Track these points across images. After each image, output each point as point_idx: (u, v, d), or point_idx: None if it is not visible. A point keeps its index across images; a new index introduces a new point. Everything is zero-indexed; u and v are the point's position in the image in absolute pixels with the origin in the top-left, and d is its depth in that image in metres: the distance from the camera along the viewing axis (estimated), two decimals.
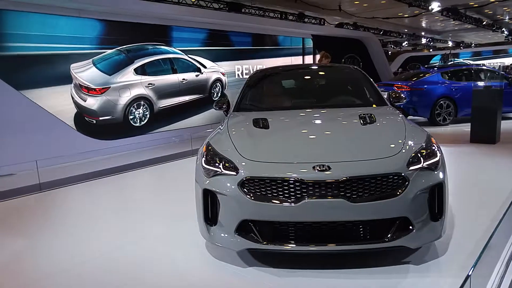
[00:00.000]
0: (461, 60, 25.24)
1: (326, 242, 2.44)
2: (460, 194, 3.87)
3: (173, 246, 3.10)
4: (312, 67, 4.95)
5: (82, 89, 7.06)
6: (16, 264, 2.97)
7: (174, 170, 5.95)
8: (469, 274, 1.93)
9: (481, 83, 8.60)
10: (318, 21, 16.08)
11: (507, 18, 20.50)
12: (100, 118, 7.23)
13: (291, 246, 2.46)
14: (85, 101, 7.09)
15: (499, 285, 2.32)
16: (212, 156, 2.74)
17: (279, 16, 14.78)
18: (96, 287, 2.54)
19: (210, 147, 2.86)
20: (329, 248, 2.44)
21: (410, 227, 2.45)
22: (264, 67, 10.45)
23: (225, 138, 2.96)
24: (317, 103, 3.82)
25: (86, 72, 7.14)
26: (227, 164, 2.61)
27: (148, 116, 8.03)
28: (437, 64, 21.75)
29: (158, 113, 8.23)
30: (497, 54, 26.13)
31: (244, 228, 2.52)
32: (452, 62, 20.47)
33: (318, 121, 3.35)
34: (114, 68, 7.57)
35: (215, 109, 4.06)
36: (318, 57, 10.32)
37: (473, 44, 29.90)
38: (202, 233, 2.79)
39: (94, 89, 7.22)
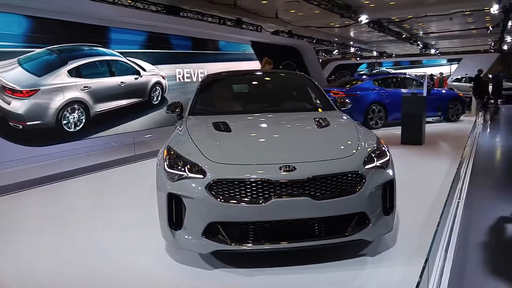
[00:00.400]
0: (384, 68, 27.56)
1: (294, 239, 2.53)
2: (398, 191, 4.22)
3: (131, 253, 2.97)
4: (263, 73, 5.05)
5: (6, 91, 6.41)
6: None
7: (117, 176, 5.66)
8: (427, 257, 2.13)
9: (406, 90, 9.50)
10: (255, 27, 16.41)
11: (421, 33, 22.83)
12: (28, 123, 6.62)
13: (261, 246, 2.50)
14: (9, 104, 6.44)
15: (443, 266, 2.58)
16: (175, 160, 2.70)
17: (217, 21, 14.81)
18: None
19: (171, 151, 2.81)
20: (298, 244, 2.54)
21: (367, 221, 2.64)
22: (207, 71, 10.50)
23: (187, 141, 2.93)
24: (271, 108, 3.93)
25: (10, 72, 6.50)
26: (192, 168, 2.59)
27: (84, 120, 7.54)
28: (363, 71, 23.44)
29: (95, 117, 7.77)
30: (413, 64, 29.10)
31: (211, 231, 2.51)
32: (378, 70, 22.20)
33: (277, 125, 3.45)
34: (44, 69, 7.00)
35: (167, 112, 3.97)
36: (258, 64, 10.55)
37: (393, 54, 32.78)
38: (166, 237, 2.72)
39: (20, 91, 6.60)
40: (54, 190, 5.00)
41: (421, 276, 2.04)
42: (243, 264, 2.69)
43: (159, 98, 9.59)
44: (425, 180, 4.92)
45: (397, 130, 7.61)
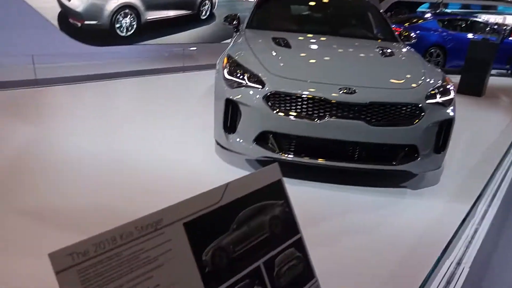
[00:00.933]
0: (449, 11, 24.94)
1: (341, 159, 2.58)
2: (452, 136, 4.07)
3: (183, 152, 3.14)
4: None
5: None
6: (30, 148, 3.01)
7: (167, 82, 5.85)
8: (480, 194, 2.10)
9: (474, 36, 8.63)
10: None
11: None
12: (85, 22, 6.75)
13: (307, 159, 2.57)
14: (69, 0, 6.55)
15: (487, 211, 2.56)
16: (235, 68, 2.73)
17: None
18: (110, 181, 2.54)
19: (231, 60, 2.82)
20: (343, 164, 2.58)
21: (416, 155, 2.63)
22: None
23: (247, 51, 2.93)
24: (332, 31, 3.76)
25: None
26: (251, 77, 2.62)
27: (135, 26, 7.56)
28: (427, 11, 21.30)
29: (145, 25, 7.75)
30: (486, 9, 25.98)
31: (262, 138, 2.59)
32: (441, 11, 20.16)
33: (339, 47, 3.34)
34: None
35: (224, 23, 3.96)
36: None
37: None
38: (219, 139, 2.84)
39: None
40: (108, 86, 5.26)
41: (468, 213, 2.04)
42: (291, 174, 2.74)
43: (208, 13, 9.33)
44: (480, 132, 4.72)
45: (453, 78, 7.06)
